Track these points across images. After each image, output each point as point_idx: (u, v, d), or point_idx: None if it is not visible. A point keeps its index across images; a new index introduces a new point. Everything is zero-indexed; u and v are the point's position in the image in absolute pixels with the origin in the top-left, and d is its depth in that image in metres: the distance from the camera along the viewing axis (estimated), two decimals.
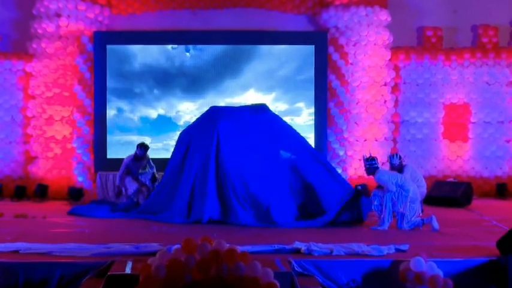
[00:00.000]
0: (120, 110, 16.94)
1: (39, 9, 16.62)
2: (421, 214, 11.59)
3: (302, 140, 13.22)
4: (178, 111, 16.97)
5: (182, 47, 16.96)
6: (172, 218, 12.24)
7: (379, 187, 11.69)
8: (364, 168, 12.00)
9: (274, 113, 13.58)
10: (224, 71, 17.03)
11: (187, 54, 16.96)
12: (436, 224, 11.23)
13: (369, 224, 11.81)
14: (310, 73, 17.01)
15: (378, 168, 11.72)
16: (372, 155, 11.91)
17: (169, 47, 16.96)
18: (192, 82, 16.98)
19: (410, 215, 11.35)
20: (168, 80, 16.98)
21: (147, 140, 15.67)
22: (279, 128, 13.10)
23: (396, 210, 11.39)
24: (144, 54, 16.92)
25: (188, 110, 16.80)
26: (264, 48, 17.02)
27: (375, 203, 11.57)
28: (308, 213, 12.25)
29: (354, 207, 12.06)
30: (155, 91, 17.00)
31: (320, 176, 12.55)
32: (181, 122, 16.76)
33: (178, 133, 13.92)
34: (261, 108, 13.45)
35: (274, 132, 12.93)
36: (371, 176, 11.86)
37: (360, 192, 12.20)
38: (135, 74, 16.93)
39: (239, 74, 16.99)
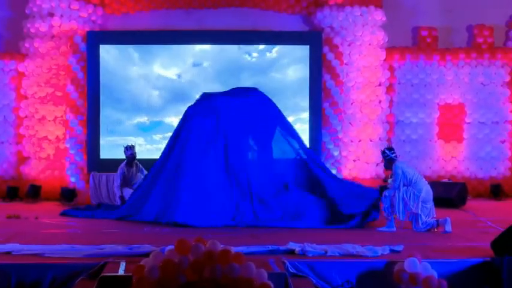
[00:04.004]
0: (113, 111, 16.89)
1: (32, 8, 16.57)
2: (435, 216, 11.46)
3: (296, 131, 13.26)
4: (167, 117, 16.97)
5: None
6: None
7: (387, 187, 11.63)
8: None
9: (269, 98, 13.31)
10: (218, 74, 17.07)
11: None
12: (449, 227, 11.05)
13: (376, 225, 11.76)
14: (305, 73, 17.01)
15: (393, 159, 11.63)
16: (385, 148, 11.95)
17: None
18: (183, 90, 16.97)
19: (424, 215, 11.25)
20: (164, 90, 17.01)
21: (140, 141, 15.61)
22: (274, 115, 13.06)
23: (409, 211, 11.30)
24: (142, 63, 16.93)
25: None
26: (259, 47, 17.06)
27: (385, 205, 11.42)
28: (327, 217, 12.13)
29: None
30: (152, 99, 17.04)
31: (322, 170, 12.69)
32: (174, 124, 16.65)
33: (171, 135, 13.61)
34: (254, 92, 13.30)
35: (268, 120, 12.91)
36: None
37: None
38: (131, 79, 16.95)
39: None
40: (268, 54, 17.08)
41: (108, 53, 16.82)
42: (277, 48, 17.09)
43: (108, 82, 16.80)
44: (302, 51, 17.05)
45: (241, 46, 17.08)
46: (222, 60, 17.06)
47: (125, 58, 16.96)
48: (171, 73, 16.99)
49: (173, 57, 17.00)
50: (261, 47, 17.07)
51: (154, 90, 16.99)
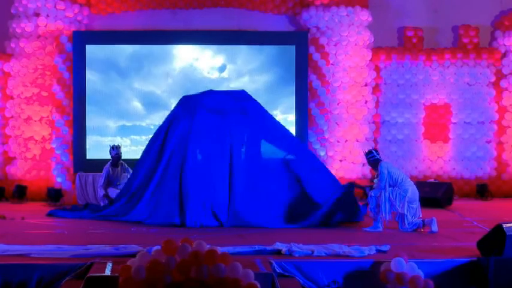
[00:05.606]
0: (99, 112, 16.84)
1: (18, 8, 16.49)
2: (421, 215, 11.50)
3: (286, 131, 13.21)
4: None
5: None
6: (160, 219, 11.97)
7: (373, 188, 11.67)
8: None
9: (255, 100, 13.25)
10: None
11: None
12: (435, 227, 11.09)
13: (362, 225, 11.75)
14: (291, 73, 17.02)
15: (378, 160, 11.69)
16: (371, 148, 12.05)
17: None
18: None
19: (410, 215, 11.28)
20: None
21: (126, 142, 15.57)
22: (260, 117, 13.00)
23: (395, 211, 11.32)
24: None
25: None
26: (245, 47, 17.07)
27: (371, 205, 11.44)
28: (297, 212, 12.11)
29: (348, 206, 12.01)
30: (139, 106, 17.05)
31: (310, 170, 12.56)
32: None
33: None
34: (241, 96, 13.28)
35: (255, 122, 12.83)
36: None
37: (354, 186, 12.25)
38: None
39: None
40: (249, 55, 17.15)
41: (92, 76, 16.75)
42: (260, 48, 17.16)
43: (94, 96, 16.79)
44: (288, 52, 17.09)
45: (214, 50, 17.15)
46: (197, 70, 17.13)
47: (107, 78, 16.93)
48: (149, 87, 17.00)
49: (149, 73, 17.04)
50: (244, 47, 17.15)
51: (135, 100, 16.98)
